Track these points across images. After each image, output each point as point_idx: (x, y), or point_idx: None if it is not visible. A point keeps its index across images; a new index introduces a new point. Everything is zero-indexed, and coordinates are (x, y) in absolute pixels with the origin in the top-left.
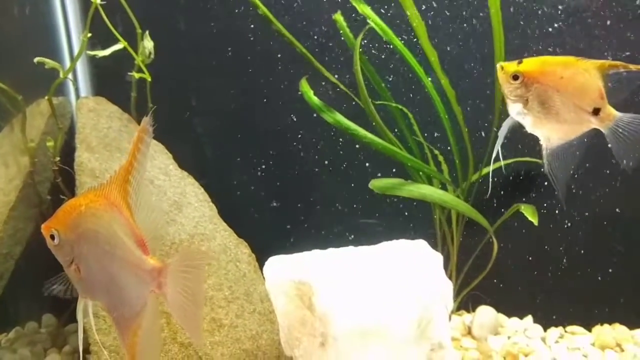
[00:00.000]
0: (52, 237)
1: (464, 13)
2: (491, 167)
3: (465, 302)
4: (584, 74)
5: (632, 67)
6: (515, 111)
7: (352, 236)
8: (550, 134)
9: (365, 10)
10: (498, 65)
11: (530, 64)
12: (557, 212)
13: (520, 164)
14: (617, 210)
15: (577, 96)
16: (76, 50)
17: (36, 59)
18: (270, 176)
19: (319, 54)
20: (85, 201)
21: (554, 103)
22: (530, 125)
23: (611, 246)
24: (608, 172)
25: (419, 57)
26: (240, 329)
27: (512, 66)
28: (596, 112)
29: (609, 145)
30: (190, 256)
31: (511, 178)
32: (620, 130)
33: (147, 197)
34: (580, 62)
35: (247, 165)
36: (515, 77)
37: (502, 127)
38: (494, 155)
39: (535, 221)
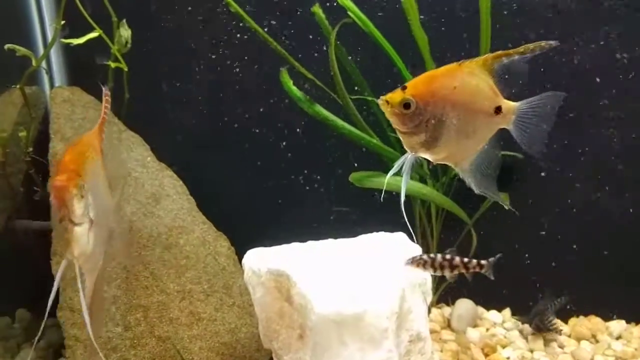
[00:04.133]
0: (82, 187)
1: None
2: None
3: (445, 295)
4: (473, 76)
5: (512, 51)
6: (417, 143)
7: (332, 229)
8: (461, 154)
9: (345, 1)
10: (380, 101)
11: (416, 86)
12: (534, 204)
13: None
14: (593, 202)
15: (475, 102)
16: (50, 39)
17: (7, 46)
18: (249, 169)
19: (299, 47)
20: (86, 148)
21: (455, 118)
22: (437, 153)
23: (587, 239)
24: (583, 163)
25: (399, 50)
26: (219, 322)
27: (397, 95)
28: (497, 111)
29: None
30: None
31: None
32: (522, 120)
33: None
34: (463, 65)
35: (226, 158)
36: (406, 106)
37: (403, 167)
38: (402, 198)
39: (506, 205)
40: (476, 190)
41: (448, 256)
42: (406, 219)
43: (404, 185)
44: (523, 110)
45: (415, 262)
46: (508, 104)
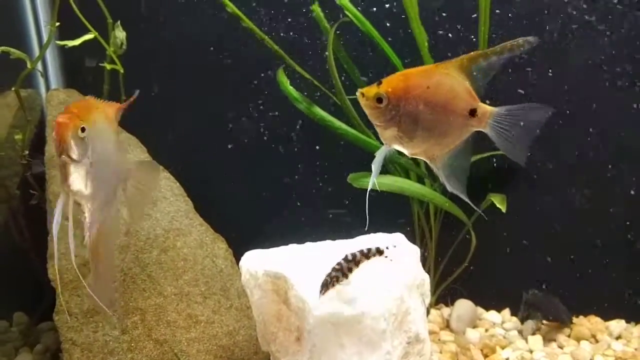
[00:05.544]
0: (83, 129)
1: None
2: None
3: (444, 296)
4: (448, 78)
5: (488, 51)
6: (391, 136)
7: (330, 231)
8: (433, 151)
9: (343, 1)
10: (358, 93)
11: (390, 82)
12: (533, 204)
13: (499, 157)
14: (593, 201)
15: (448, 102)
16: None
17: (0, 49)
18: (247, 170)
19: (298, 47)
20: (95, 107)
21: (427, 116)
22: (410, 147)
23: (586, 239)
24: (582, 163)
25: (397, 49)
26: (217, 325)
27: (372, 89)
28: (472, 113)
29: (495, 144)
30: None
31: (488, 171)
32: (500, 125)
33: None
34: (439, 66)
35: (223, 159)
36: (379, 100)
37: (376, 158)
38: (369, 186)
39: (503, 209)
40: (448, 189)
41: (350, 257)
42: (367, 214)
43: (374, 175)
44: (501, 115)
45: (326, 285)
46: (484, 108)
